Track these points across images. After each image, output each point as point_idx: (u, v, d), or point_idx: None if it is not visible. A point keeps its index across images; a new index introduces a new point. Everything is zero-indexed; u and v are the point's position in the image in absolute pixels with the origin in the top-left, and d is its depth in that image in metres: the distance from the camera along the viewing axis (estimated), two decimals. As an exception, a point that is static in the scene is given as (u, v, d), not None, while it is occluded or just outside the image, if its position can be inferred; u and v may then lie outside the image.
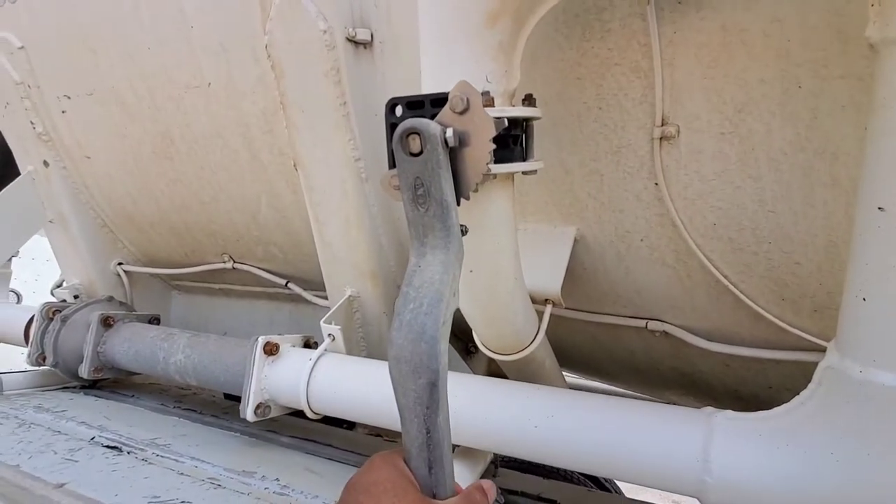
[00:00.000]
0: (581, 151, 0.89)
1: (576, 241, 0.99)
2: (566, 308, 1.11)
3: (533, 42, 0.84)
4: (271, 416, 1.03)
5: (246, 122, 1.21)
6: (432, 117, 0.56)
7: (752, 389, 1.09)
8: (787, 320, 0.87)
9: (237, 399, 1.04)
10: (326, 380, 0.99)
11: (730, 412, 0.71)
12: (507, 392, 0.85)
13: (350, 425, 1.38)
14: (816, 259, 0.78)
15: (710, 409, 0.74)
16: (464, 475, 0.95)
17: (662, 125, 0.79)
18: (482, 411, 0.83)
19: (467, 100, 0.55)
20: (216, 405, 1.35)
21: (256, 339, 1.03)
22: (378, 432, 1.35)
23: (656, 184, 0.85)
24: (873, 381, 0.57)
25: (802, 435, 0.64)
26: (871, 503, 0.60)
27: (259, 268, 1.53)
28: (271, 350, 1.03)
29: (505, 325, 0.84)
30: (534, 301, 0.97)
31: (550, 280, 0.94)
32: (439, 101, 0.56)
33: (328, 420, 1.18)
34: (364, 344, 1.25)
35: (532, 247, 0.99)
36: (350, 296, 1.18)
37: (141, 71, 1.28)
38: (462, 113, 0.55)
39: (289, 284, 1.49)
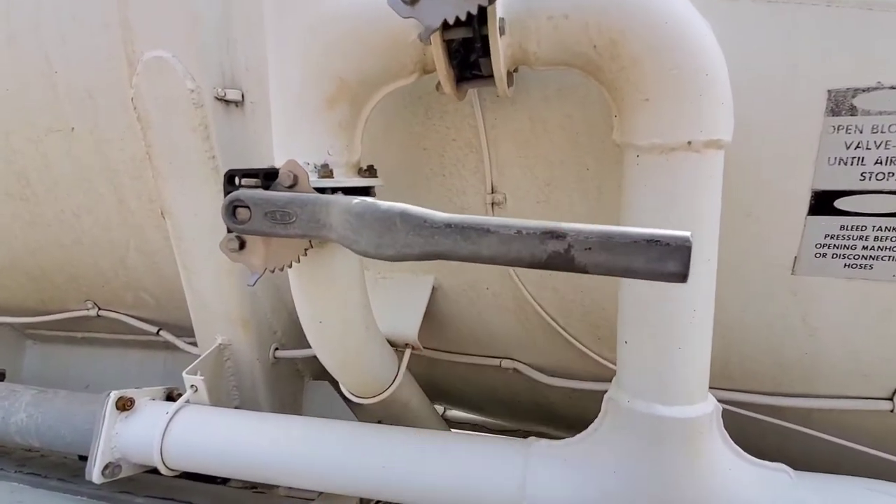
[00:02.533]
0: (436, 207, 1.00)
1: (434, 289, 1.09)
2: (429, 349, 1.21)
3: (387, 113, 0.95)
4: (123, 475, 0.99)
5: (113, 168, 1.19)
6: (265, 188, 0.63)
7: (594, 416, 1.24)
8: (604, 356, 1.02)
9: (90, 459, 0.98)
10: (185, 434, 0.97)
11: (544, 441, 0.83)
12: (356, 436, 0.90)
13: (223, 479, 1.33)
14: (615, 304, 0.94)
15: (531, 439, 0.85)
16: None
17: (493, 192, 0.93)
18: (334, 455, 0.87)
19: (294, 175, 0.62)
20: (66, 467, 1.24)
21: (108, 393, 0.99)
22: (251, 484, 1.32)
23: (495, 240, 0.98)
24: (636, 409, 0.71)
25: (593, 458, 0.76)
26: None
27: (128, 314, 1.46)
28: (125, 405, 0.99)
29: (360, 371, 0.91)
30: (394, 345, 1.05)
31: (409, 325, 1.03)
32: (271, 175, 0.63)
33: (196, 475, 1.15)
34: (237, 393, 1.24)
35: (393, 295, 1.07)
36: (220, 344, 1.18)
37: (-5, 111, 1.22)
38: (290, 187, 0.62)
39: (160, 332, 1.43)
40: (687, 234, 0.40)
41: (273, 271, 0.64)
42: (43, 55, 1.13)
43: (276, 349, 1.27)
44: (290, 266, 0.64)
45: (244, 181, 0.63)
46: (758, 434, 0.95)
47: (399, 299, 1.07)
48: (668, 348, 0.67)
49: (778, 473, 0.73)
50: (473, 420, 1.80)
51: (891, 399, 0.85)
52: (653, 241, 0.39)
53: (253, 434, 0.93)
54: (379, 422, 1.11)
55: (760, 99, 0.73)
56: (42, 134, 1.20)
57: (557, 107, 0.83)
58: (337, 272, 0.77)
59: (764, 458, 0.76)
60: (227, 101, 1.05)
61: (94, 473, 0.95)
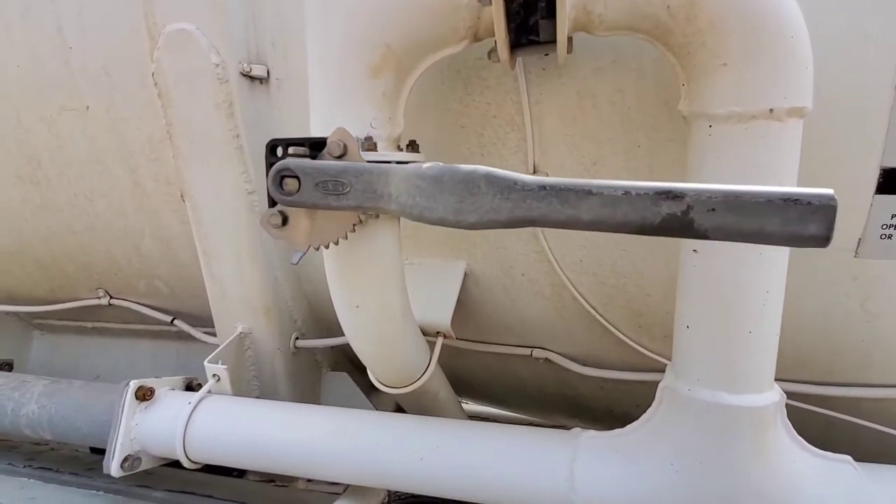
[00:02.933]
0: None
1: (466, 275, 1.05)
2: (458, 339, 1.17)
3: (423, 91, 0.91)
4: (142, 468, 0.94)
5: (130, 149, 1.14)
6: (313, 159, 0.59)
7: (624, 409, 1.20)
8: (643, 345, 0.98)
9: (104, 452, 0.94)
10: (208, 425, 0.93)
11: (592, 432, 0.79)
12: (391, 426, 0.86)
13: (240, 472, 1.29)
14: (662, 291, 0.91)
15: (577, 430, 0.81)
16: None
17: (535, 172, 0.88)
18: (367, 447, 0.83)
19: (344, 145, 0.58)
20: (78, 461, 1.20)
21: (128, 383, 0.95)
22: (270, 478, 1.28)
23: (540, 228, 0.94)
24: (698, 398, 0.67)
25: (648, 449, 0.72)
26: (711, 497, 0.69)
27: (141, 303, 1.41)
28: (144, 395, 0.95)
29: (394, 360, 0.86)
30: (425, 333, 1.00)
31: (441, 313, 0.99)
32: (318, 144, 0.59)
33: (214, 468, 1.11)
34: (256, 383, 1.19)
35: (424, 281, 1.03)
36: (241, 332, 1.14)
37: (6, 89, 1.17)
38: (340, 157, 0.58)
39: (175, 321, 1.39)
40: (830, 191, 0.35)
41: (318, 248, 0.60)
42: (56, 29, 1.08)
43: (297, 339, 1.23)
44: (337, 243, 0.60)
45: (290, 150, 0.58)
46: (804, 424, 0.91)
47: (430, 285, 1.02)
48: (737, 332, 0.63)
49: (842, 465, 0.69)
50: (489, 413, 1.76)
51: (953, 389, 0.82)
52: (791, 200, 0.35)
53: (279, 425, 0.89)
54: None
55: (826, 68, 0.68)
56: (55, 112, 1.15)
57: (609, 80, 0.79)
58: (378, 252, 0.73)
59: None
60: (253, 78, 1.00)
61: (113, 466, 0.91)
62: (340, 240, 0.60)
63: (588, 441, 0.77)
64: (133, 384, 0.95)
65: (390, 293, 0.77)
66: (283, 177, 0.55)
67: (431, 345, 1.00)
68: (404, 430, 0.84)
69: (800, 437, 0.70)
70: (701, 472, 0.68)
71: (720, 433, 0.66)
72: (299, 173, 0.54)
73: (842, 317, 0.81)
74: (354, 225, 0.60)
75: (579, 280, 0.97)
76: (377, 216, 0.69)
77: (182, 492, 1.01)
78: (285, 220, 0.60)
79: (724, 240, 0.37)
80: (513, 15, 0.63)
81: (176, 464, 0.98)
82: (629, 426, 0.76)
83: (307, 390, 1.32)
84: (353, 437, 0.84)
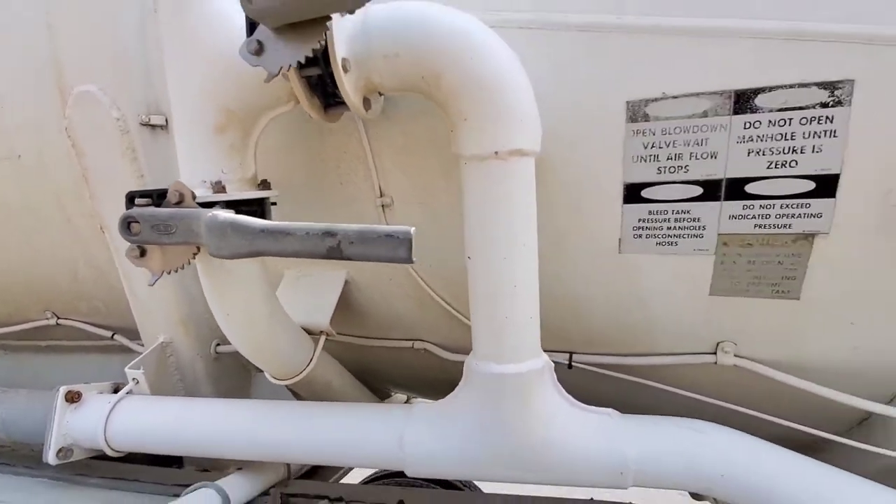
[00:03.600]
0: (337, 215, 1.15)
1: (348, 282, 1.24)
2: (350, 336, 1.36)
3: (289, 132, 1.09)
4: (75, 458, 1.12)
5: (57, 191, 1.32)
6: (158, 206, 0.78)
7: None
8: (492, 333, 1.18)
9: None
10: (125, 420, 1.11)
11: (424, 403, 0.98)
12: (266, 411, 1.05)
13: (180, 463, 1.47)
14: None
15: (417, 402, 1.00)
16: (256, 485, 1.12)
17: (381, 196, 1.07)
18: (247, 428, 1.02)
19: (180, 194, 0.77)
20: (32, 458, 1.37)
21: (58, 388, 1.13)
22: (205, 467, 1.46)
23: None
24: (480, 370, 0.87)
25: (456, 413, 0.92)
26: (500, 454, 0.89)
27: (84, 322, 1.59)
28: (73, 398, 1.13)
29: (271, 357, 1.05)
30: (312, 333, 1.19)
31: (322, 316, 1.17)
32: (163, 194, 0.78)
33: (157, 460, 1.29)
34: (181, 385, 1.37)
35: (310, 289, 1.22)
36: (162, 342, 1.32)
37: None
38: (177, 204, 0.77)
39: (115, 336, 1.57)
40: (409, 229, 0.55)
41: (169, 272, 0.79)
42: (-11, 88, 1.26)
43: (218, 345, 1.41)
44: (183, 268, 0.79)
45: (140, 200, 0.77)
46: (612, 389, 1.12)
47: (315, 292, 1.21)
48: (497, 317, 0.82)
49: (602, 416, 0.89)
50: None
51: (714, 353, 1.02)
52: (389, 236, 0.54)
53: (181, 416, 1.08)
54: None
55: (576, 113, 0.88)
56: (-9, 162, 1.33)
57: (423, 122, 0.98)
58: (236, 271, 0.91)
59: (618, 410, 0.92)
60: (153, 126, 1.18)
61: (49, 456, 1.09)
62: (186, 265, 0.79)
63: (418, 411, 0.96)
64: (62, 389, 1.13)
65: (254, 303, 0.96)
66: (129, 222, 0.73)
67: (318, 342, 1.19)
68: (276, 413, 1.03)
69: (569, 396, 0.90)
70: (486, 428, 0.88)
71: (495, 396, 0.86)
72: (140, 219, 0.73)
73: (619, 301, 1.01)
74: (194, 254, 0.79)
75: (434, 281, 1.16)
76: (229, 243, 0.88)
77: (114, 478, 1.19)
78: (143, 252, 0.78)
79: (362, 260, 0.55)
80: (314, 87, 0.82)
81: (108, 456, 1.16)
82: (448, 396, 0.95)
83: (234, 390, 1.51)
84: (236, 421, 1.02)
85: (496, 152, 0.76)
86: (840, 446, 1.07)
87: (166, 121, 1.20)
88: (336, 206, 1.13)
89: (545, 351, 1.18)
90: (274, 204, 0.99)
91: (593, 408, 0.90)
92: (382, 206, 1.08)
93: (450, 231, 1.06)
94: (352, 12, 0.63)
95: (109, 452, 1.11)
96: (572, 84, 0.87)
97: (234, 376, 1.50)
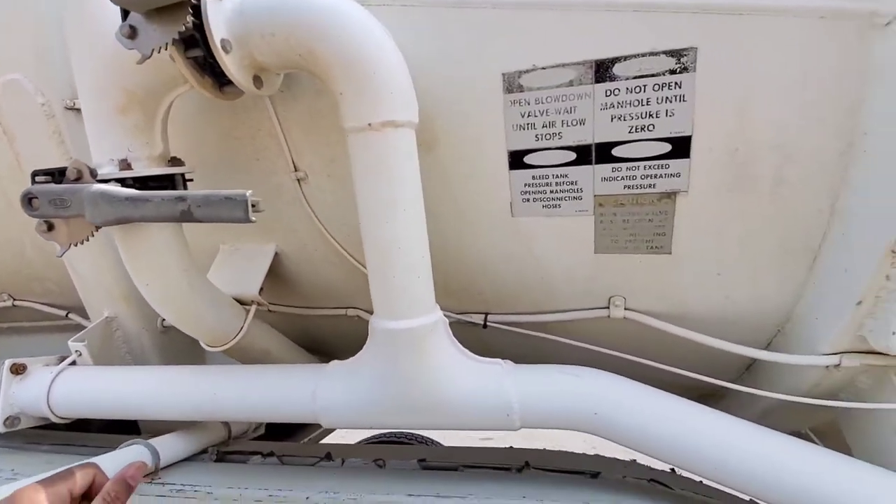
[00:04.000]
0: (259, 191, 1.21)
1: (278, 254, 1.31)
2: (285, 306, 1.43)
3: (205, 112, 1.14)
4: (22, 426, 1.21)
5: (-3, 174, 1.37)
6: (58, 183, 0.83)
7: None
8: (412, 298, 1.25)
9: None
10: (67, 388, 1.19)
11: (337, 361, 1.06)
12: (197, 374, 1.13)
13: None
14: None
15: (332, 361, 1.08)
16: (192, 445, 1.21)
17: (295, 171, 1.13)
18: (180, 391, 1.10)
19: (78, 171, 0.82)
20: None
21: (4, 361, 1.20)
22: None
23: (311, 210, 1.19)
24: (377, 327, 0.94)
25: (362, 369, 1.00)
26: (399, 403, 0.97)
27: (40, 302, 1.65)
28: (18, 370, 1.21)
29: (197, 324, 1.12)
30: (244, 303, 1.27)
31: (251, 286, 1.24)
32: (63, 171, 0.84)
33: (115, 428, 1.38)
34: (130, 358, 1.45)
35: (242, 261, 1.29)
36: (107, 317, 1.39)
37: None
38: (76, 180, 0.82)
39: (69, 315, 1.64)
40: (246, 192, 0.61)
41: (76, 244, 0.85)
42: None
43: (164, 319, 1.48)
44: (87, 240, 0.85)
45: (40, 178, 0.83)
46: (526, 347, 1.20)
47: (246, 265, 1.28)
48: (386, 276, 0.89)
49: (493, 366, 0.97)
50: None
51: (607, 308, 1.10)
52: (228, 198, 0.61)
53: (119, 383, 1.15)
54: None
55: (459, 86, 0.94)
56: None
57: (326, 99, 1.03)
58: (151, 243, 0.97)
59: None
60: (77, 109, 1.23)
61: (-2, 424, 1.17)
62: (90, 237, 0.85)
63: (330, 368, 1.04)
64: (8, 362, 1.21)
65: (171, 272, 1.02)
66: (30, 198, 0.79)
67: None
68: (204, 376, 1.11)
69: (463, 348, 0.98)
70: (387, 380, 0.96)
71: (392, 351, 0.93)
72: (38, 195, 0.79)
73: (520, 262, 1.09)
74: (97, 226, 0.85)
75: (355, 249, 1.23)
76: (138, 218, 0.94)
77: (63, 444, 1.28)
78: (51, 227, 0.85)
79: (211, 222, 0.62)
80: (204, 67, 0.87)
81: (75, 425, 1.24)
82: (358, 353, 1.03)
83: (185, 361, 1.58)
84: (167, 384, 1.10)
85: (369, 124, 0.82)
86: (734, 393, 1.16)
87: (92, 104, 1.24)
88: (255, 181, 1.19)
89: (465, 312, 1.27)
90: (190, 181, 1.05)
91: (486, 359, 0.98)
92: (298, 180, 1.14)
93: (351, 201, 1.12)
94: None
95: (54, 419, 1.19)
96: (452, 58, 0.92)
97: (185, 348, 1.57)
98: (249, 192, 0.61)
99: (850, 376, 0.97)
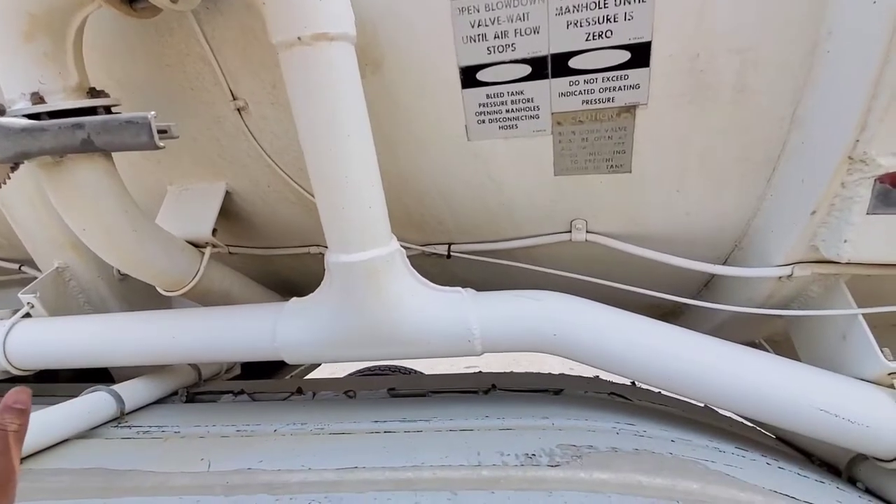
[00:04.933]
0: (199, 123, 1.12)
1: (229, 193, 1.24)
2: (243, 247, 1.39)
3: (126, 37, 1.03)
4: (-19, 380, 1.18)
5: None
6: (-39, 119, 0.75)
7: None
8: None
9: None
10: (26, 339, 1.16)
11: (297, 298, 1.04)
12: (159, 318, 1.10)
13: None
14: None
15: (292, 299, 1.06)
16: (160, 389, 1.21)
17: (234, 99, 1.05)
18: (140, 336, 1.08)
19: (-14, 106, 0.74)
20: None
21: (-47, 318, 1.16)
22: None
23: (256, 142, 1.11)
24: (333, 261, 0.91)
25: (321, 304, 0.98)
26: (359, 336, 0.97)
27: (-10, 257, 1.58)
28: (-32, 326, 1.16)
29: (147, 270, 1.08)
30: (198, 246, 1.22)
31: (203, 227, 1.19)
32: (-31, 107, 0.75)
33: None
34: (89, 308, 1.41)
35: (190, 202, 1.23)
36: (58, 267, 1.33)
37: None
38: (-18, 116, 0.74)
39: (22, 268, 1.57)
40: (147, 114, 0.55)
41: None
42: None
43: (121, 266, 1.43)
44: (4, 183, 0.78)
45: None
46: (490, 275, 1.20)
47: (195, 205, 1.22)
48: (335, 208, 0.85)
49: (453, 294, 0.97)
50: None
51: (569, 231, 1.08)
52: (130, 122, 0.55)
53: (78, 332, 1.12)
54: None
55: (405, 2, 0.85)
56: None
57: (258, 13, 0.93)
58: (82, 185, 0.90)
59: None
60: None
61: (-46, 381, 1.15)
62: (7, 179, 0.78)
63: (289, 306, 1.03)
64: (-44, 319, 1.16)
65: (110, 215, 0.96)
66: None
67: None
68: (165, 319, 1.09)
69: (422, 278, 0.97)
70: (344, 314, 0.95)
71: (348, 284, 0.91)
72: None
73: (480, 188, 1.05)
74: (11, 168, 0.78)
75: (303, 180, 1.17)
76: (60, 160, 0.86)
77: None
78: (-35, 173, 0.77)
79: (114, 150, 0.56)
80: (106, -23, 0.76)
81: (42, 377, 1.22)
82: (316, 290, 1.01)
83: (148, 307, 1.55)
84: (127, 329, 1.08)
85: (299, 38, 0.74)
86: (693, 309, 1.19)
87: None
88: (192, 114, 1.10)
89: (429, 244, 1.25)
90: (117, 110, 0.96)
91: (446, 287, 0.97)
92: (238, 109, 1.06)
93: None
94: None
95: (15, 372, 1.16)
96: (389, -41, 0.83)
97: (147, 295, 1.53)
98: (153, 113, 0.55)
99: (802, 286, 0.99)
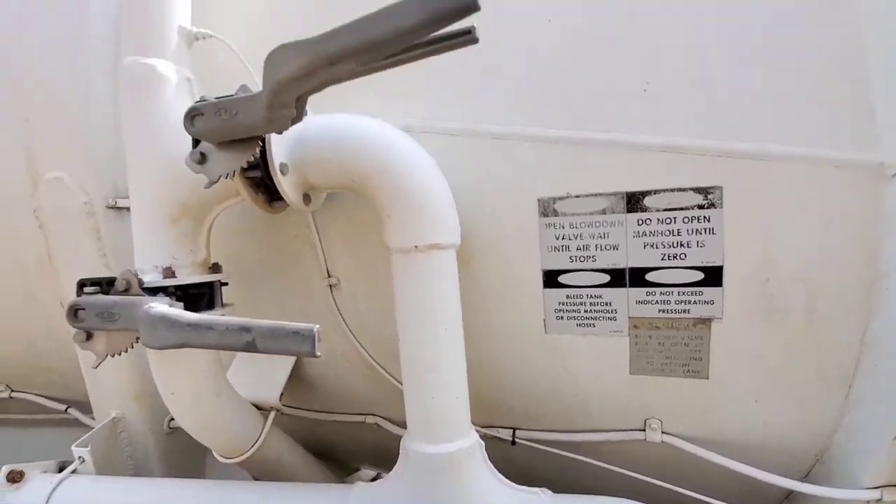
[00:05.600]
0: (291, 294, 1.22)
1: (299, 357, 1.29)
2: (301, 409, 1.39)
3: (243, 218, 1.18)
4: (11, 541, 1.10)
5: (22, 268, 1.37)
6: (106, 293, 0.84)
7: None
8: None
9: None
10: (70, 501, 1.11)
11: (363, 484, 1.00)
12: (202, 491, 1.06)
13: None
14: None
15: (357, 483, 1.02)
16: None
17: (328, 277, 1.15)
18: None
19: (127, 282, 0.83)
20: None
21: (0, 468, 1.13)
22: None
23: (341, 316, 1.19)
24: (413, 449, 0.91)
25: (395, 492, 0.95)
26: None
27: (39, 395, 1.59)
28: (14, 478, 1.13)
29: (217, 435, 1.07)
30: (261, 408, 1.22)
31: (272, 392, 1.21)
32: (111, 281, 0.84)
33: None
34: (131, 463, 1.37)
35: (262, 363, 1.26)
36: (114, 417, 1.33)
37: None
38: (124, 292, 0.83)
39: (69, 410, 1.56)
40: (314, 327, 0.62)
41: (112, 356, 0.84)
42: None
43: (171, 419, 1.42)
44: (126, 351, 0.84)
45: (89, 289, 0.83)
46: (555, 466, 1.15)
47: (267, 369, 1.25)
48: (425, 398, 0.88)
49: (532, 496, 0.93)
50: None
51: (643, 430, 1.07)
52: (296, 332, 0.61)
53: (123, 497, 1.08)
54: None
55: (496, 209, 0.99)
56: (-39, 239, 1.39)
57: (366, 209, 1.07)
58: (186, 356, 0.96)
59: (556, 487, 0.96)
60: (118, 208, 1.27)
61: (-15, 540, 1.07)
62: (129, 349, 0.84)
63: (359, 491, 0.99)
64: (4, 469, 1.13)
65: (200, 381, 1.00)
66: (76, 309, 0.79)
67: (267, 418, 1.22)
68: (218, 495, 1.04)
69: (499, 474, 0.94)
70: (418, 506, 0.91)
71: (427, 476, 0.89)
72: (86, 306, 0.79)
73: (555, 379, 1.07)
74: (137, 338, 0.84)
75: (382, 356, 1.21)
76: (174, 326, 0.93)
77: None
78: (89, 336, 0.84)
79: (277, 354, 0.62)
80: (258, 185, 0.92)
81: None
82: (387, 476, 0.98)
83: (188, 466, 1.49)
84: (172, 501, 1.03)
85: (416, 246, 0.85)
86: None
87: (133, 204, 1.29)
88: (288, 285, 1.20)
89: (491, 427, 1.23)
90: (225, 284, 1.06)
91: (524, 487, 0.94)
92: (330, 286, 1.16)
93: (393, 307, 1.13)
94: (279, 132, 0.74)
95: (45, 537, 1.09)
96: (491, 183, 0.98)
97: (188, 452, 1.49)
98: (317, 326, 0.61)
99: (898, 512, 0.93)
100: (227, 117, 0.71)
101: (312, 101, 0.75)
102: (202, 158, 0.78)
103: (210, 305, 1.00)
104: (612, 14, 0.91)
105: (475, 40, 0.55)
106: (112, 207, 1.26)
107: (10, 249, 1.36)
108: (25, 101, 1.25)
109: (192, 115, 0.73)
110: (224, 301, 1.03)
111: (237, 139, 0.76)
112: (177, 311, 0.70)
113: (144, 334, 0.70)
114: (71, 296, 1.28)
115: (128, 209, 1.29)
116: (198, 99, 0.80)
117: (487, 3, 0.54)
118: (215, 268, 1.03)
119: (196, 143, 0.80)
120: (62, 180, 1.22)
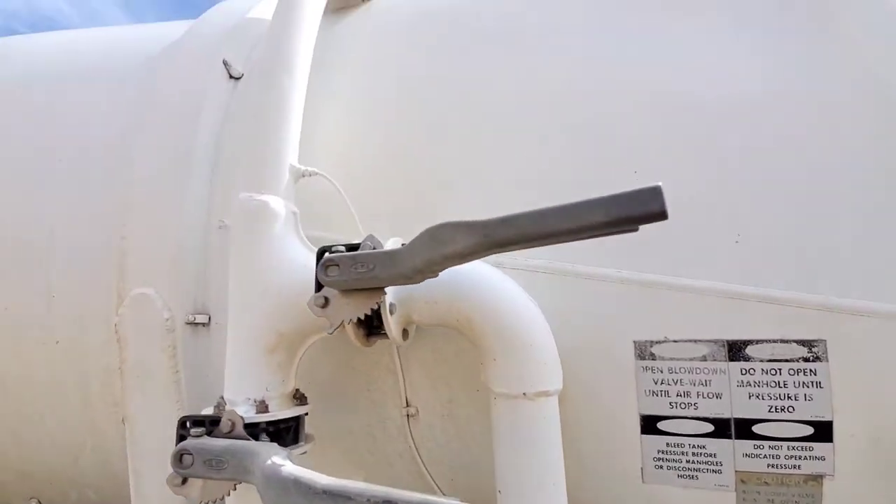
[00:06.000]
0: (362, 419, 1.19)
1: (363, 487, 1.22)
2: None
3: (325, 340, 1.18)
4: None
5: (86, 377, 1.36)
6: (209, 433, 0.82)
7: None
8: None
9: None
10: None
11: None
12: None
13: None
14: None
15: None
16: None
17: (407, 406, 1.13)
18: None
19: (232, 423, 0.82)
20: None
21: None
22: None
23: (415, 447, 1.15)
24: None
25: None
26: None
27: (68, 514, 1.49)
28: None
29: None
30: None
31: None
32: (215, 421, 0.83)
33: None
34: None
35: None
36: (155, 546, 1.23)
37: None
38: (228, 433, 0.81)
39: (97, 532, 1.46)
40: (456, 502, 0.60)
41: (207, 503, 0.80)
42: (45, 284, 1.38)
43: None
44: (222, 499, 0.80)
45: (195, 430, 0.82)
46: None
47: (329, 500, 1.18)
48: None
49: None
50: None
51: None
52: None
53: None
54: None
55: (591, 350, 0.99)
56: (31, 345, 1.39)
57: (452, 342, 1.08)
58: (265, 493, 0.92)
59: None
60: (196, 324, 1.28)
61: None
62: (226, 497, 0.80)
63: None
64: None
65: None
66: (181, 454, 0.77)
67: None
68: None
69: None
70: None
71: None
72: (194, 452, 0.77)
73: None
74: (235, 485, 0.81)
75: (454, 493, 1.15)
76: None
77: None
78: (184, 481, 0.81)
79: None
80: (360, 322, 0.93)
81: None
82: None
83: None
84: None
85: (524, 393, 0.84)
86: None
87: (209, 318, 1.30)
88: (359, 410, 1.17)
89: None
90: (305, 414, 1.04)
91: None
92: (408, 415, 1.13)
93: (473, 442, 1.09)
94: (418, 282, 0.76)
95: None
96: (586, 324, 0.99)
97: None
98: (464, 504, 0.60)
99: None
100: (364, 270, 0.74)
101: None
102: (325, 303, 0.81)
103: (295, 439, 0.97)
104: (700, 171, 0.99)
105: (635, 229, 0.59)
106: (190, 323, 1.27)
107: (76, 360, 1.36)
108: (124, 217, 1.31)
109: (326, 266, 0.77)
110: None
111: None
112: (308, 473, 0.68)
113: (270, 496, 0.68)
114: (134, 412, 1.27)
115: (204, 325, 1.31)
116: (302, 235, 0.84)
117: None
118: (299, 396, 1.01)
119: (319, 286, 0.83)
120: (148, 296, 1.24)
